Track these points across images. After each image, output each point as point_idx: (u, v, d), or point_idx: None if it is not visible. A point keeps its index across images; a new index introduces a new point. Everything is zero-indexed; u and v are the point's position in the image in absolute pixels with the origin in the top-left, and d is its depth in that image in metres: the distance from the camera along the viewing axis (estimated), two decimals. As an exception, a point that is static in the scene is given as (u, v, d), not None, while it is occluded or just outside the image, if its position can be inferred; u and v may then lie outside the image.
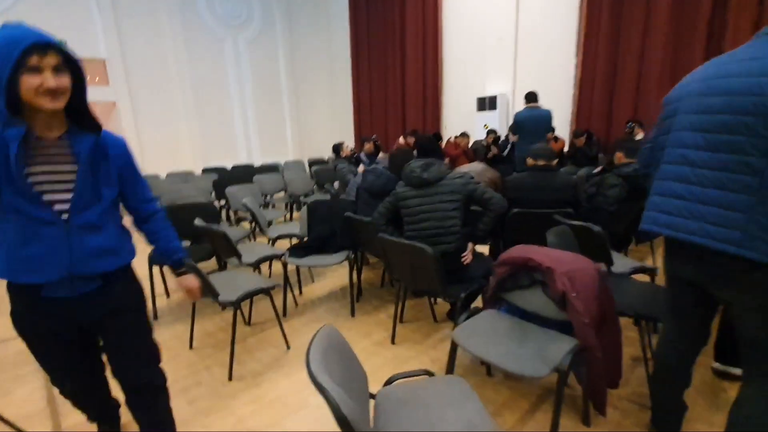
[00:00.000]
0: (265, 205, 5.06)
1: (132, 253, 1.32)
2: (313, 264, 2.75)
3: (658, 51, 5.57)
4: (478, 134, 7.66)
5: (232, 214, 4.93)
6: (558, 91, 6.79)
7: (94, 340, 1.35)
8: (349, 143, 7.50)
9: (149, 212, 1.39)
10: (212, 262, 3.12)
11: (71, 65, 1.06)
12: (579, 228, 2.32)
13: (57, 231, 1.10)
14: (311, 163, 7.48)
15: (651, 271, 2.35)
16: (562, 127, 6.65)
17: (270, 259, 2.84)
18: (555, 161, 2.76)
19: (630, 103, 6.05)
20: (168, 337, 2.63)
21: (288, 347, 2.43)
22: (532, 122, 5.33)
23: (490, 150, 6.54)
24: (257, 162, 9.29)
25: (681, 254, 1.38)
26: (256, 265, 2.73)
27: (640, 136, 5.42)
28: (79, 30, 7.89)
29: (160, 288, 3.27)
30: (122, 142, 1.27)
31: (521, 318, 1.87)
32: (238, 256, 2.63)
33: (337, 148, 4.77)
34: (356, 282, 3.04)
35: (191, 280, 1.48)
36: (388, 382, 1.39)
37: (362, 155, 4.94)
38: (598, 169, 5.30)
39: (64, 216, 1.11)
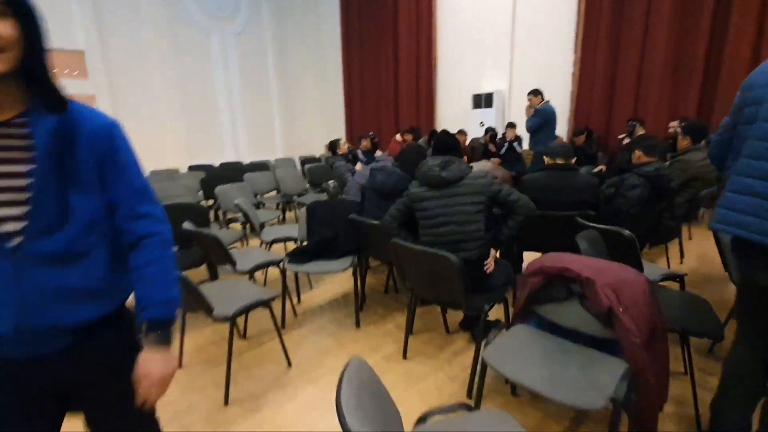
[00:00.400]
0: (257, 206, 4.80)
1: (126, 291, 0.93)
2: (315, 271, 2.53)
3: (660, 48, 5.48)
4: (473, 132, 7.51)
5: (221, 214, 4.65)
6: (556, 88, 6.66)
7: (60, 423, 0.91)
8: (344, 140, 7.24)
9: (139, 234, 0.89)
10: (202, 270, 2.85)
11: (18, 8, 0.71)
12: (604, 232, 2.16)
13: (1, 264, 0.74)
14: (303, 161, 7.21)
15: (680, 278, 2.20)
16: (561, 124, 6.54)
17: (267, 266, 2.60)
18: (574, 159, 2.59)
19: (630, 101, 5.96)
20: (154, 352, 2.37)
21: (289, 364, 2.20)
22: (554, 117, 5.28)
23: (487, 148, 6.39)
24: (245, 159, 8.97)
25: (758, 258, 1.25)
26: (251, 273, 2.49)
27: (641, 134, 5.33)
28: (56, 20, 7.45)
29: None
30: (104, 123, 0.84)
31: (551, 333, 1.70)
32: (232, 263, 2.39)
33: (334, 146, 4.54)
34: (360, 289, 2.82)
35: (157, 363, 0.85)
36: (422, 419, 1.19)
37: (359, 153, 4.72)
38: (599, 168, 5.23)
39: (14, 241, 0.74)
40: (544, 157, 2.64)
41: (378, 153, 4.89)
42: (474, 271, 1.90)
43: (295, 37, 10.92)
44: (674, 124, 4.94)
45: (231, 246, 3.31)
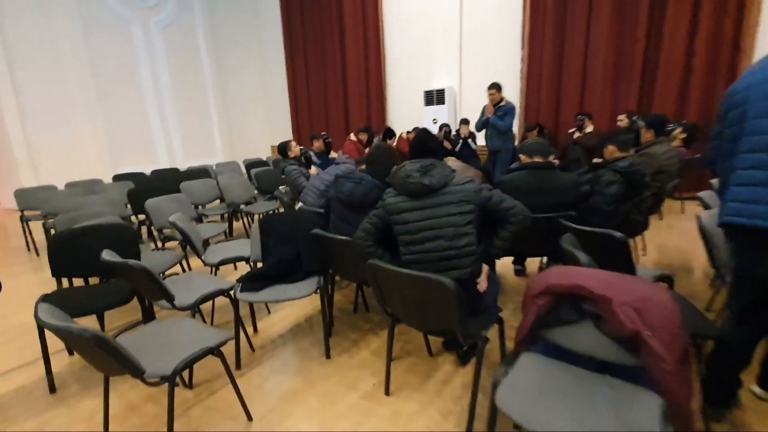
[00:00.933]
0: (198, 219, 4.24)
1: None
2: (274, 298, 2.14)
3: (602, 45, 5.64)
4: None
5: (155, 231, 4.04)
6: (506, 84, 6.64)
7: None
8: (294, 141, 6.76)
9: None
10: (133, 306, 2.31)
11: None
12: (591, 234, 2.00)
13: None
14: (248, 165, 6.62)
15: (669, 279, 2.11)
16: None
17: (214, 296, 2.17)
18: (552, 156, 2.43)
19: (576, 97, 6.09)
20: (72, 419, 1.87)
21: (249, 418, 1.81)
22: None
23: (443, 145, 6.24)
24: (182, 165, 8.15)
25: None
26: (194, 308, 2.05)
27: (589, 128, 5.44)
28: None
29: (56, 344, 2.41)
30: None
31: (558, 356, 1.49)
32: (170, 298, 1.94)
33: (283, 148, 4.11)
34: (328, 314, 2.47)
35: None
36: None
37: (312, 155, 4.33)
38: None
39: None
40: (520, 155, 2.46)
41: (334, 154, 4.53)
42: (467, 291, 1.63)
43: (233, 31, 10.16)
44: (622, 117, 5.08)
45: (169, 271, 2.82)
